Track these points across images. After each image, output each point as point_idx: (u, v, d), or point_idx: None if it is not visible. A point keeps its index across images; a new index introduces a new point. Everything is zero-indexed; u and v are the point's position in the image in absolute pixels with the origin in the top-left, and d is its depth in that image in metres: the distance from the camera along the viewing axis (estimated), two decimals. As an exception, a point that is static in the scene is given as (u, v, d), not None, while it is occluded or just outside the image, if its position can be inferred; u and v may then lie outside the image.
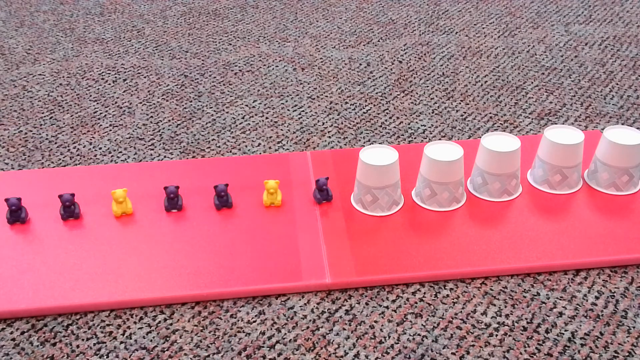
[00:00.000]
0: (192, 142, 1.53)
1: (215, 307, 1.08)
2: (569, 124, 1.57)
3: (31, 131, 1.59)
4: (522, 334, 1.01)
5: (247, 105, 1.68)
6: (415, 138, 1.53)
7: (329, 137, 1.54)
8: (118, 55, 1.96)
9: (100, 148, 1.51)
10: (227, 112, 1.65)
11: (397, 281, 1.11)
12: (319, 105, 1.67)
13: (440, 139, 1.50)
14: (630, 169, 1.28)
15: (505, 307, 1.06)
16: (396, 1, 2.31)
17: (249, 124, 1.60)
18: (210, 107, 1.67)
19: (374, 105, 1.67)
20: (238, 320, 1.05)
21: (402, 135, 1.54)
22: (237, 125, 1.59)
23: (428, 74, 1.81)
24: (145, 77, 1.83)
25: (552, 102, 1.66)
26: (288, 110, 1.65)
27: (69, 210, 1.25)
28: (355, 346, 1.00)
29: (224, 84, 1.78)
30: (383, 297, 1.09)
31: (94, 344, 1.02)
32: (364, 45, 2.00)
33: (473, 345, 1.00)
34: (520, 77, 1.79)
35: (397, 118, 1.61)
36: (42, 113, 1.66)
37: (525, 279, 1.12)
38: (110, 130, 1.58)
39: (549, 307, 1.06)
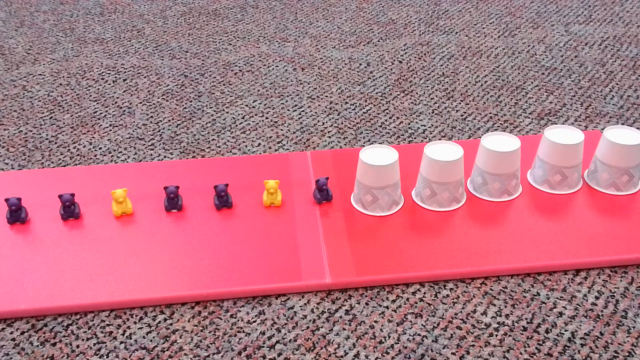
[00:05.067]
0: (192, 142, 1.53)
1: (215, 307, 1.08)
2: (569, 124, 1.57)
3: (31, 131, 1.59)
4: (522, 334, 1.01)
5: (247, 105, 1.68)
6: (415, 138, 1.53)
7: (329, 137, 1.54)
8: (118, 55, 1.96)
9: (100, 148, 1.51)
10: (227, 112, 1.65)
11: (397, 281, 1.11)
12: (319, 105, 1.67)
13: (440, 139, 1.50)
14: (630, 169, 1.28)
15: (505, 307, 1.06)
16: (396, 1, 2.31)
17: (249, 124, 1.60)
18: (210, 107, 1.67)
19: (374, 105, 1.67)
20: (238, 320, 1.05)
21: (402, 135, 1.54)
22: (237, 125, 1.59)
23: (428, 74, 1.81)
24: (145, 77, 1.83)
25: (552, 102, 1.66)
26: (288, 110, 1.65)
27: (69, 210, 1.25)
28: (355, 346, 1.00)
29: (224, 84, 1.79)
30: (383, 297, 1.09)
31: (94, 344, 1.02)
32: (364, 45, 2.00)
33: (473, 345, 1.00)
34: (520, 77, 1.79)
35: (397, 118, 1.61)
36: (42, 113, 1.66)
37: (525, 279, 1.12)
38: (110, 130, 1.58)
39: (549, 307, 1.06)
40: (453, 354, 0.99)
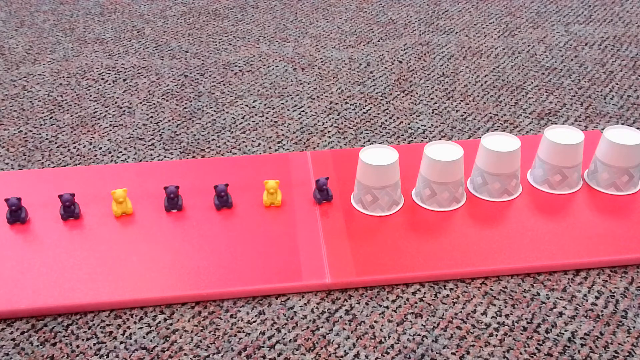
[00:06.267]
0: (192, 142, 1.53)
1: (215, 307, 1.08)
2: (569, 124, 1.57)
3: (31, 131, 1.59)
4: (522, 334, 1.01)
5: (247, 105, 1.68)
6: (415, 138, 1.53)
7: (329, 137, 1.54)
8: (118, 55, 1.96)
9: (100, 148, 1.51)
10: (227, 112, 1.65)
11: (397, 281, 1.11)
12: (319, 105, 1.67)
13: (440, 139, 1.50)
14: (630, 169, 1.28)
15: (505, 307, 1.06)
16: (396, 1, 2.31)
17: (249, 124, 1.60)
18: (210, 107, 1.67)
19: (374, 105, 1.67)
20: (238, 320, 1.05)
21: (402, 135, 1.54)
22: (237, 125, 1.59)
23: (428, 74, 1.81)
24: (145, 77, 1.83)
25: (552, 102, 1.66)
26: (288, 110, 1.65)
27: (69, 210, 1.25)
28: (355, 346, 1.00)
29: (224, 84, 1.79)
30: (383, 297, 1.09)
31: (94, 344, 1.02)
32: (364, 45, 2.00)
33: (473, 345, 1.00)
34: (520, 77, 1.79)
35: (397, 118, 1.61)
36: (42, 113, 1.66)
37: (525, 279, 1.12)
38: (110, 130, 1.58)
39: (549, 307, 1.06)
40: (453, 354, 0.99)
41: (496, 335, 1.01)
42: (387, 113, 1.63)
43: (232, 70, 1.86)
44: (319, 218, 1.25)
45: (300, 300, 1.09)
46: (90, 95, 1.74)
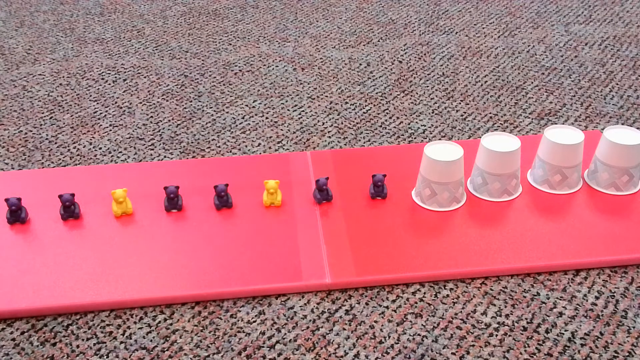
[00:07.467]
0: (192, 142, 1.53)
1: (215, 307, 1.08)
2: (569, 124, 1.57)
3: (31, 131, 1.59)
4: (522, 334, 1.01)
5: (247, 105, 1.68)
6: (415, 138, 1.53)
7: (329, 137, 1.54)
8: (118, 55, 1.96)
9: (100, 148, 1.51)
10: (227, 112, 1.65)
11: (397, 281, 1.11)
12: (319, 105, 1.67)
13: (440, 139, 1.50)
14: (630, 169, 1.28)
15: (505, 307, 1.06)
16: (396, 1, 2.31)
17: (249, 124, 1.60)
18: (210, 107, 1.67)
19: (374, 105, 1.67)
20: (238, 320, 1.05)
21: (402, 135, 1.54)
22: (237, 125, 1.59)
23: (428, 74, 1.81)
24: (145, 77, 1.83)
25: (552, 102, 1.66)
26: (288, 110, 1.65)
27: (69, 210, 1.25)
28: (355, 346, 1.00)
29: (224, 84, 1.78)
30: (383, 297, 1.09)
31: (94, 344, 1.02)
32: (364, 45, 2.00)
33: (473, 345, 1.00)
34: (520, 77, 1.79)
35: (397, 118, 1.61)
36: (42, 113, 1.66)
37: (525, 279, 1.12)
38: (110, 130, 1.58)
39: (549, 307, 1.06)
40: (453, 354, 0.99)
41: (496, 335, 1.01)
42: (387, 113, 1.63)
43: (232, 70, 1.86)
44: (319, 218, 1.25)
45: (300, 300, 1.09)
46: (90, 95, 1.74)
